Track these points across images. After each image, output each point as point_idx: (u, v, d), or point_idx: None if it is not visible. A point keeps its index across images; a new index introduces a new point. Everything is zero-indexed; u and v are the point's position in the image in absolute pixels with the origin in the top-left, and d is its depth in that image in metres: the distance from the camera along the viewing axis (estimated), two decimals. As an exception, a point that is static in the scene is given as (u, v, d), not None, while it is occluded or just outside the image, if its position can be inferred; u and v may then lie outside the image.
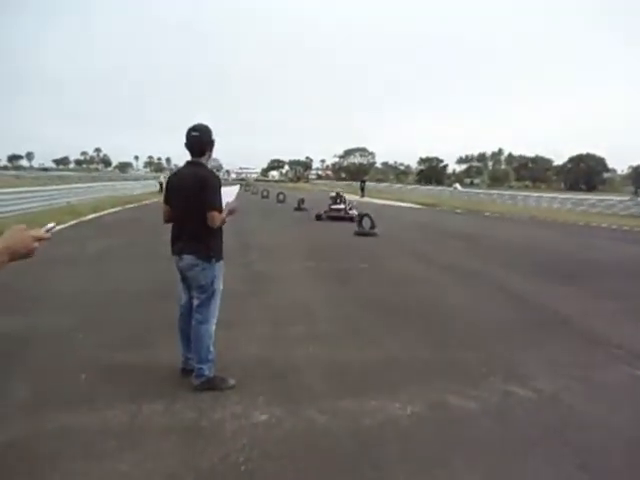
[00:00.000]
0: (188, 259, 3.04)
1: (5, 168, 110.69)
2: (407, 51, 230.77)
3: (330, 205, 16.49)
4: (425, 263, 8.36)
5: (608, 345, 4.36)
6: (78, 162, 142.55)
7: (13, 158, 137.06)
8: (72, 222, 13.24)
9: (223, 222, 3.06)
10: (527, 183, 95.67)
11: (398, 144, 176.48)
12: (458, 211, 23.38)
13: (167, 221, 3.20)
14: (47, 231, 1.33)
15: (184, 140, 3.02)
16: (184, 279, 3.16)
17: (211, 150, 3.11)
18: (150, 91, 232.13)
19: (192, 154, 3.07)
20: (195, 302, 3.12)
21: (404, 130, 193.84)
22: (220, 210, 2.98)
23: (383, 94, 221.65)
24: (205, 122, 3.08)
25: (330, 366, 3.63)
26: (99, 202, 19.27)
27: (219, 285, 3.16)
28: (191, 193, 2.95)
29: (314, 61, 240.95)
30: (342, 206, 16.26)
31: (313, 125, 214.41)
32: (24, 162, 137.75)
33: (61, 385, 3.19)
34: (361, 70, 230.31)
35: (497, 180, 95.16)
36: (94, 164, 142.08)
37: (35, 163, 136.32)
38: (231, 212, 3.15)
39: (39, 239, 1.29)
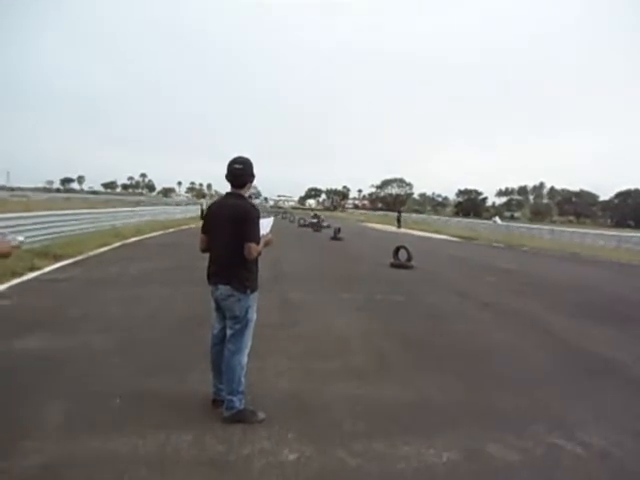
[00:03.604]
0: (223, 289, 3.06)
1: (58, 190, 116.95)
2: (448, 82, 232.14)
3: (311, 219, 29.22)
4: (463, 299, 8.12)
5: (663, 397, 4.05)
6: (125, 186, 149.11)
7: (65, 181, 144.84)
8: (117, 244, 13.73)
9: (259, 254, 3.08)
10: (571, 218, 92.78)
11: (436, 175, 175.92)
12: (498, 245, 22.80)
13: (204, 250, 3.25)
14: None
15: (226, 172, 3.08)
16: (218, 308, 3.18)
17: (251, 183, 3.17)
18: (195, 119, 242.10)
19: (233, 186, 3.13)
20: (228, 332, 3.12)
21: (443, 161, 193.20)
22: (258, 242, 3.01)
23: (423, 125, 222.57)
24: (247, 151, 3.15)
25: (362, 404, 3.53)
26: (142, 225, 19.92)
27: (253, 315, 3.16)
28: (231, 224, 2.99)
29: (356, 92, 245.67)
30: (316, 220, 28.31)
31: (352, 155, 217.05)
32: (75, 185, 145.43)
33: (94, 409, 3.22)
34: (401, 101, 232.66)
35: (539, 214, 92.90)
36: (139, 189, 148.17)
37: (85, 186, 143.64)
38: (266, 244, 3.18)
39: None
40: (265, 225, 3.22)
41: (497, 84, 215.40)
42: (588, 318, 7.05)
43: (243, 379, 3.13)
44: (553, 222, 76.41)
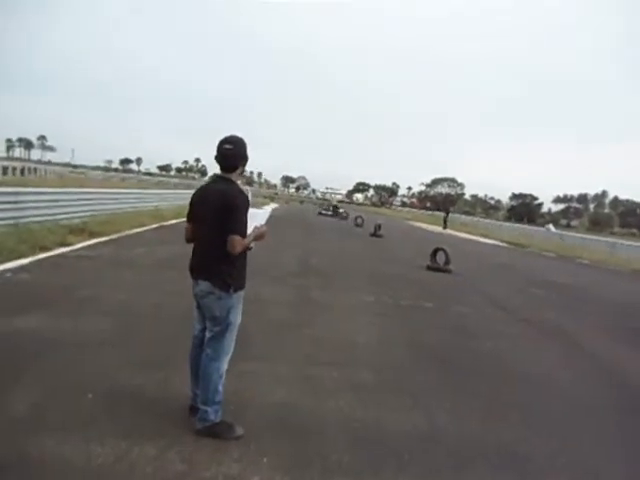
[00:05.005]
0: (203, 285, 2.69)
1: (116, 170, 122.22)
2: (506, 82, 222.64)
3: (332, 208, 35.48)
4: (500, 312, 7.43)
5: None
6: (179, 170, 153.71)
7: (124, 162, 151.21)
8: (154, 225, 13.79)
9: (246, 248, 2.68)
10: (634, 231, 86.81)
11: (490, 177, 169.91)
12: (548, 254, 21.40)
13: (189, 240, 2.89)
14: None
15: (215, 152, 2.70)
16: (199, 307, 2.82)
17: (244, 166, 2.77)
18: (248, 109, 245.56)
19: (223, 169, 2.74)
20: (207, 335, 2.76)
21: (498, 163, 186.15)
22: (243, 235, 2.61)
23: (479, 125, 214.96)
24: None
25: (361, 430, 3.07)
26: (186, 208, 20.09)
27: (236, 318, 2.77)
28: (214, 212, 2.61)
29: (411, 90, 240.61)
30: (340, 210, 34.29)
31: (404, 152, 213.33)
32: (133, 166, 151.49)
33: (63, 404, 2.96)
34: (457, 100, 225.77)
35: (598, 225, 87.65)
36: (192, 172, 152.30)
37: (142, 167, 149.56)
38: (258, 237, 2.77)
39: None
40: (259, 216, 2.82)
41: (560, 84, 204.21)
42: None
43: (221, 388, 2.76)
44: (613, 234, 71.75)
